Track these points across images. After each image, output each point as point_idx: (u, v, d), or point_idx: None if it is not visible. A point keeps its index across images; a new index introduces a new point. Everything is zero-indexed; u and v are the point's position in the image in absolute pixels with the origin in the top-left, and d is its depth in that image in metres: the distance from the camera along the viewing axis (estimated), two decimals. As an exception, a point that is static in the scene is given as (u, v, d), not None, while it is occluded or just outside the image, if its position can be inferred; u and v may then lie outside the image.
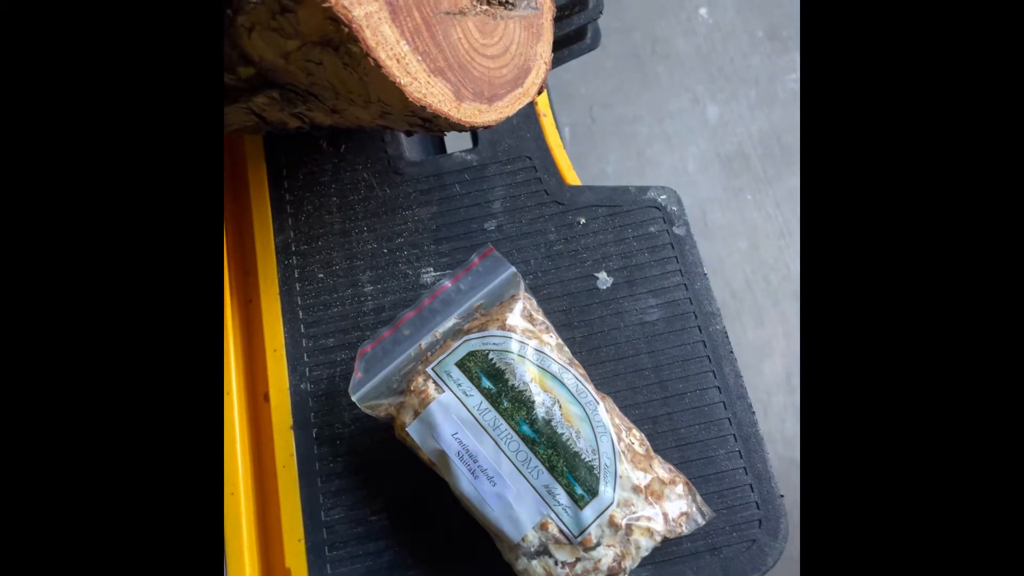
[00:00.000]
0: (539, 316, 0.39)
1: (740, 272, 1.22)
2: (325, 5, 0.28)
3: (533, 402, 0.35)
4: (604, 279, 0.42)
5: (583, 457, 0.35)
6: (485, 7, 0.35)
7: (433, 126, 0.35)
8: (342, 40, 0.29)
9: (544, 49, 0.38)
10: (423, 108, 0.32)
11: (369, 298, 0.43)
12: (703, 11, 1.46)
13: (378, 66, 0.30)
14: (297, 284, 0.43)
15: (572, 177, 0.46)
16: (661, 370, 0.40)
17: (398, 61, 0.31)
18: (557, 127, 0.48)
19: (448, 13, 0.33)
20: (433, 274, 0.43)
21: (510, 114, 0.36)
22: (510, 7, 0.36)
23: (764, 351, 1.12)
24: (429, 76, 0.32)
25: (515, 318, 0.38)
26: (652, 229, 0.43)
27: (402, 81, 0.31)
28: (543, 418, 0.35)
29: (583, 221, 0.44)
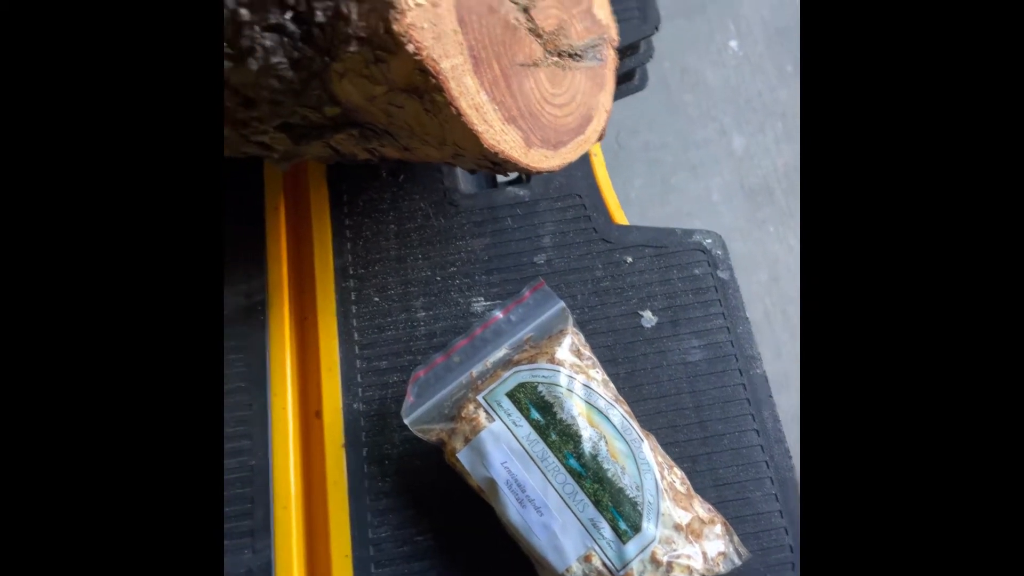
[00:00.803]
0: (586, 351, 0.41)
1: (760, 304, 1.23)
2: (417, 57, 0.30)
3: (580, 436, 0.37)
4: (648, 318, 0.44)
5: (627, 493, 0.36)
6: (556, 59, 0.37)
7: (500, 168, 0.37)
8: (427, 89, 0.31)
9: (606, 98, 0.40)
10: (495, 154, 0.34)
11: (421, 323, 0.44)
12: (733, 44, 1.48)
13: (459, 114, 0.32)
14: (353, 306, 0.45)
15: (620, 216, 0.47)
16: (702, 410, 0.41)
17: (477, 110, 0.33)
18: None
19: (523, 65, 0.35)
20: (483, 303, 0.45)
21: (572, 160, 0.38)
22: (578, 59, 0.38)
23: (781, 383, 1.13)
24: (503, 124, 0.34)
25: (564, 352, 0.40)
26: (697, 272, 0.45)
27: (479, 128, 0.33)
28: (590, 453, 0.37)
29: (630, 260, 0.45)
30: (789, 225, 1.26)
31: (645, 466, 0.37)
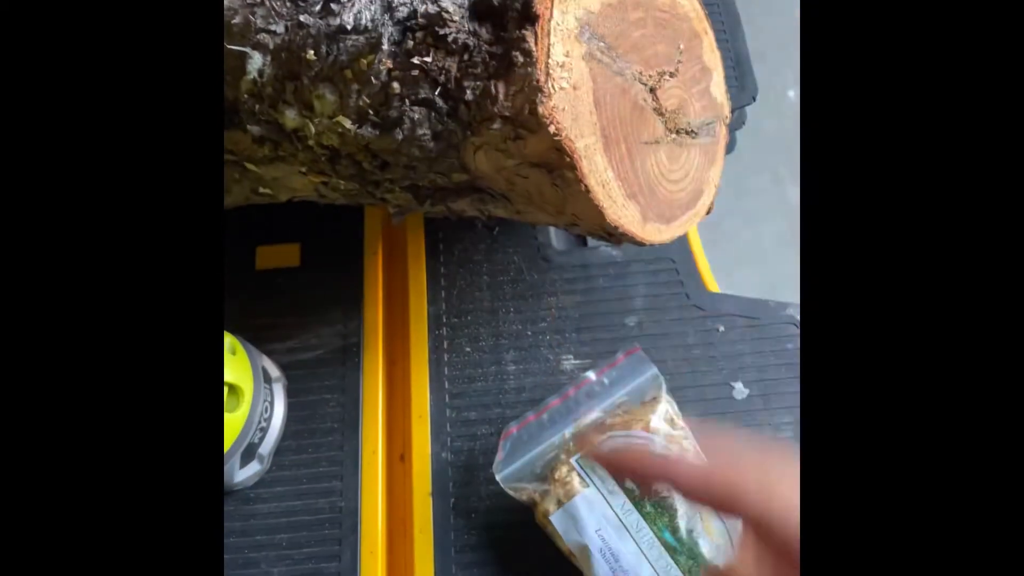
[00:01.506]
0: (679, 421, 0.41)
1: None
2: (556, 138, 0.31)
3: (676, 510, 0.37)
4: (740, 389, 0.44)
5: (722, 572, 0.36)
6: (675, 136, 0.37)
7: (615, 240, 0.37)
8: (560, 166, 0.33)
9: (716, 173, 0.41)
10: (615, 228, 0.35)
11: (511, 377, 0.45)
12: (791, 93, 1.48)
13: (587, 191, 0.33)
14: (445, 355, 0.46)
15: (712, 284, 0.48)
16: (792, 489, 0.41)
17: (603, 186, 0.34)
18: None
19: (646, 143, 0.36)
20: (573, 362, 0.46)
21: (682, 233, 0.39)
22: (694, 136, 0.39)
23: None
24: (625, 200, 0.35)
25: (658, 420, 0.40)
26: (789, 346, 0.45)
27: (604, 204, 0.34)
28: (685, 528, 0.37)
29: (722, 329, 0.46)
30: (842, 279, 1.24)
31: (740, 546, 0.36)
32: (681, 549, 0.36)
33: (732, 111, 0.53)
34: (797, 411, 0.43)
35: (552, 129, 0.31)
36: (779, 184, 1.39)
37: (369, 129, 0.33)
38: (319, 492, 0.42)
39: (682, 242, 0.49)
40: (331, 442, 0.44)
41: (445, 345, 0.46)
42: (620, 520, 0.37)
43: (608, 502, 0.38)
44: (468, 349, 0.46)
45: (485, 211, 0.40)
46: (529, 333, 0.47)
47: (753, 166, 1.36)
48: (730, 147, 0.57)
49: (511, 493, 0.39)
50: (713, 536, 0.37)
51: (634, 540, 0.37)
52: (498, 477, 0.40)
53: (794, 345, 0.45)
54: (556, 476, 0.39)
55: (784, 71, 1.47)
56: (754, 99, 0.52)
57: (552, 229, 0.50)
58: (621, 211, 0.35)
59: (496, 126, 0.32)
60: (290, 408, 0.44)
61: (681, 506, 0.37)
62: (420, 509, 0.42)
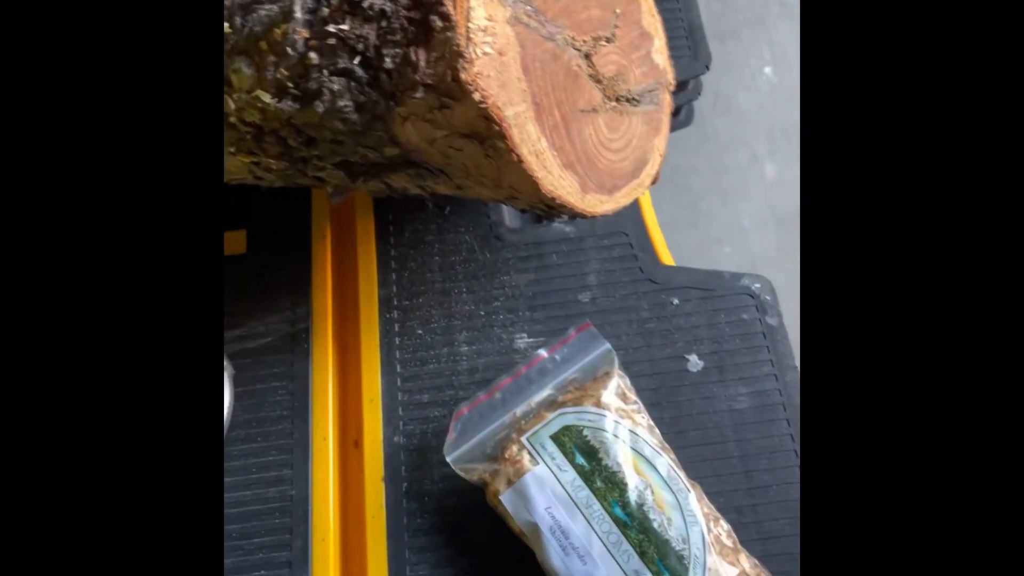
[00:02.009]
0: (632, 395, 0.40)
1: (789, 332, 1.20)
2: (482, 105, 0.30)
3: (626, 484, 0.36)
4: (695, 362, 0.43)
5: (673, 545, 0.35)
6: (615, 104, 0.37)
7: (555, 212, 0.36)
8: (490, 136, 0.32)
9: (661, 142, 0.40)
10: (552, 199, 0.34)
11: (464, 358, 0.44)
12: (768, 70, 1.47)
13: (519, 161, 0.32)
14: (396, 338, 0.45)
15: (667, 257, 0.47)
16: (747, 460, 0.41)
17: (537, 156, 0.33)
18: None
19: (583, 111, 0.35)
20: (527, 340, 0.45)
21: (626, 204, 0.38)
22: (636, 103, 0.38)
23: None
24: (562, 170, 0.34)
25: (609, 396, 0.39)
26: (745, 316, 0.44)
27: (538, 175, 0.33)
28: (636, 502, 0.36)
29: (676, 302, 0.45)
30: (821, 255, 1.24)
31: (692, 518, 0.36)
32: (631, 523, 0.36)
33: (687, 81, 0.52)
34: (752, 382, 0.43)
35: (477, 96, 0.30)
36: (756, 162, 1.38)
37: (289, 103, 0.32)
38: (268, 481, 0.42)
39: (636, 216, 0.48)
40: (280, 430, 0.43)
41: (396, 328, 0.45)
42: (570, 497, 0.36)
43: (558, 479, 0.37)
44: (420, 331, 0.45)
45: (426, 187, 0.39)
46: (482, 313, 0.46)
47: (730, 145, 1.35)
48: (687, 119, 0.56)
49: (462, 474, 0.39)
50: (664, 509, 0.36)
51: (584, 516, 0.36)
52: (448, 459, 0.39)
53: (750, 316, 0.44)
54: (506, 455, 0.38)
55: (760, 49, 1.46)
56: (707, 68, 0.51)
57: (505, 207, 0.49)
58: (558, 182, 0.34)
59: (419, 95, 0.31)
60: (237, 397, 0.43)
61: (631, 480, 0.36)
62: (372, 495, 0.41)
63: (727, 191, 1.33)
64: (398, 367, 0.44)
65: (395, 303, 0.46)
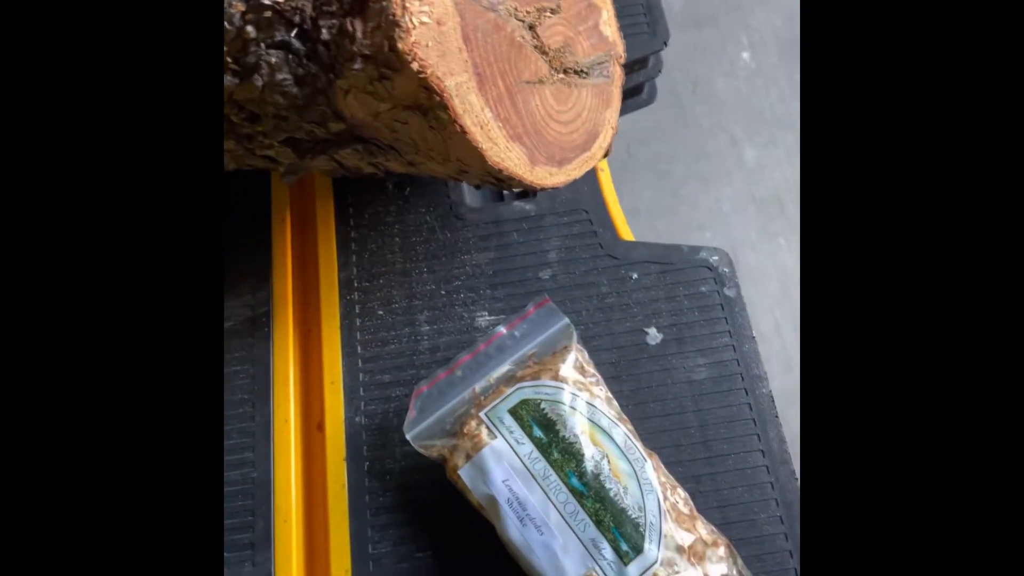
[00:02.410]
0: (590, 368, 0.40)
1: (769, 316, 1.21)
2: (421, 75, 0.30)
3: (583, 455, 0.37)
4: (654, 335, 0.44)
5: (629, 514, 0.35)
6: (562, 76, 0.37)
7: (505, 185, 0.36)
8: (432, 106, 0.32)
9: (612, 115, 0.40)
10: (499, 171, 0.34)
11: (425, 337, 0.44)
12: (745, 55, 1.47)
13: (463, 132, 0.32)
14: (357, 319, 0.45)
15: (626, 232, 0.47)
16: (706, 429, 0.41)
17: (481, 127, 0.33)
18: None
19: (528, 82, 0.35)
20: (488, 318, 0.45)
21: (577, 176, 0.38)
22: (584, 76, 0.38)
23: (790, 397, 1.11)
24: (508, 141, 0.34)
25: (567, 369, 0.39)
26: (703, 289, 0.45)
27: (484, 146, 0.33)
28: (592, 472, 0.36)
29: (635, 276, 0.45)
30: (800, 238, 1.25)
31: (648, 486, 0.36)
32: (588, 493, 0.36)
33: (647, 58, 0.52)
34: (710, 353, 0.43)
35: (416, 66, 0.30)
36: (736, 146, 1.39)
37: (229, 77, 0.31)
38: (231, 464, 0.41)
39: (595, 193, 0.48)
40: (242, 414, 0.43)
41: (357, 310, 0.45)
42: (527, 469, 0.37)
43: (516, 452, 0.37)
44: (381, 312, 0.45)
45: (379, 165, 0.39)
46: (443, 292, 0.46)
47: (710, 130, 1.35)
48: (650, 96, 0.56)
49: (422, 451, 0.39)
50: (621, 478, 0.36)
51: (541, 488, 0.36)
52: (408, 436, 0.39)
53: (708, 288, 0.45)
54: (465, 431, 0.38)
55: (737, 34, 1.46)
56: (665, 44, 0.51)
57: (465, 187, 0.49)
58: (504, 153, 0.34)
59: (358, 66, 0.30)
60: (198, 382, 0.43)
61: (588, 450, 0.37)
62: (334, 475, 0.41)
63: (707, 177, 1.34)
64: (359, 348, 0.44)
65: (356, 285, 0.46)
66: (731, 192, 1.33)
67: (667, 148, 1.31)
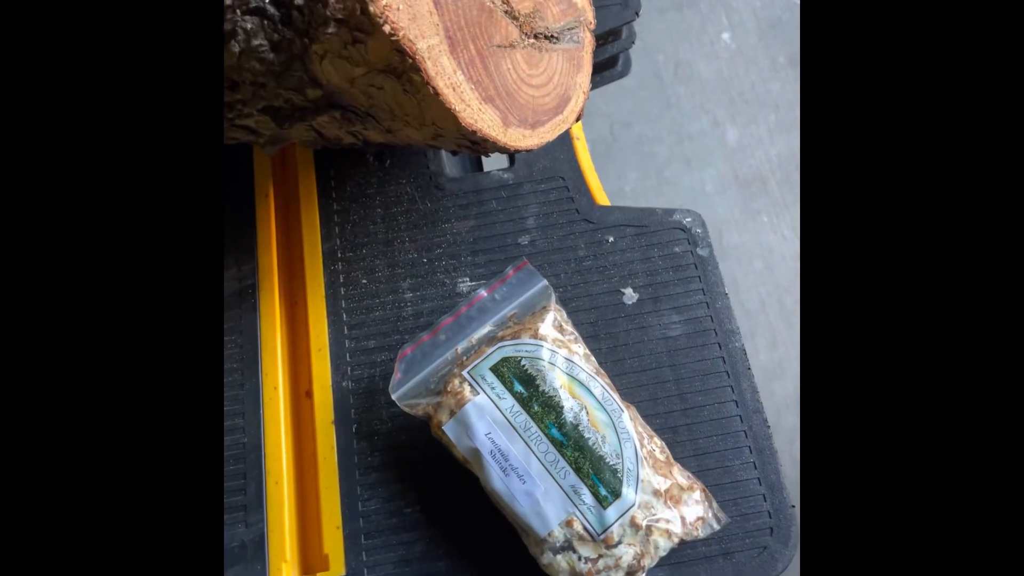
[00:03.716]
0: (568, 327, 0.42)
1: (755, 293, 1.23)
2: (393, 38, 0.31)
3: (562, 407, 0.38)
4: (630, 295, 0.45)
5: (608, 461, 0.37)
6: (532, 41, 0.38)
7: (480, 148, 0.38)
8: (405, 69, 0.33)
9: (583, 79, 0.41)
10: (473, 132, 0.35)
11: (409, 304, 0.46)
12: (726, 36, 1.49)
13: (436, 93, 0.33)
14: (342, 288, 0.46)
15: (602, 197, 0.48)
16: (682, 383, 0.42)
17: (454, 89, 0.34)
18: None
19: (499, 46, 0.36)
20: (469, 284, 0.46)
21: (550, 139, 0.39)
22: (555, 40, 0.39)
23: (776, 372, 1.14)
24: (481, 104, 0.35)
25: (546, 328, 0.41)
26: (677, 249, 0.46)
27: (456, 108, 0.34)
28: (571, 422, 0.38)
29: (611, 239, 0.47)
30: (783, 215, 1.27)
31: (625, 435, 0.38)
32: (567, 443, 0.37)
33: (620, 28, 0.54)
34: (685, 311, 0.44)
35: (387, 29, 0.31)
36: (717, 127, 1.40)
37: (206, 45, 0.32)
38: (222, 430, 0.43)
39: (571, 160, 0.49)
40: (231, 382, 0.44)
41: (341, 279, 0.46)
42: (509, 422, 0.38)
43: (497, 407, 0.38)
44: (364, 281, 0.46)
45: (357, 134, 0.40)
46: (425, 260, 0.47)
47: (692, 111, 1.37)
48: (625, 68, 0.57)
49: (407, 410, 0.40)
50: (599, 428, 0.38)
51: (522, 439, 0.38)
52: (394, 396, 0.40)
53: (681, 248, 0.46)
54: (448, 388, 0.40)
55: (718, 15, 1.47)
56: (637, 15, 0.52)
57: (445, 156, 0.50)
58: (477, 115, 0.35)
59: (331, 30, 0.31)
60: (187, 352, 0.44)
61: (567, 403, 0.38)
62: (323, 438, 0.42)
63: (690, 158, 1.35)
64: (344, 316, 0.45)
65: (339, 255, 0.47)
66: (714, 172, 1.34)
67: (650, 130, 1.32)
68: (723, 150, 1.39)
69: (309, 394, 0.44)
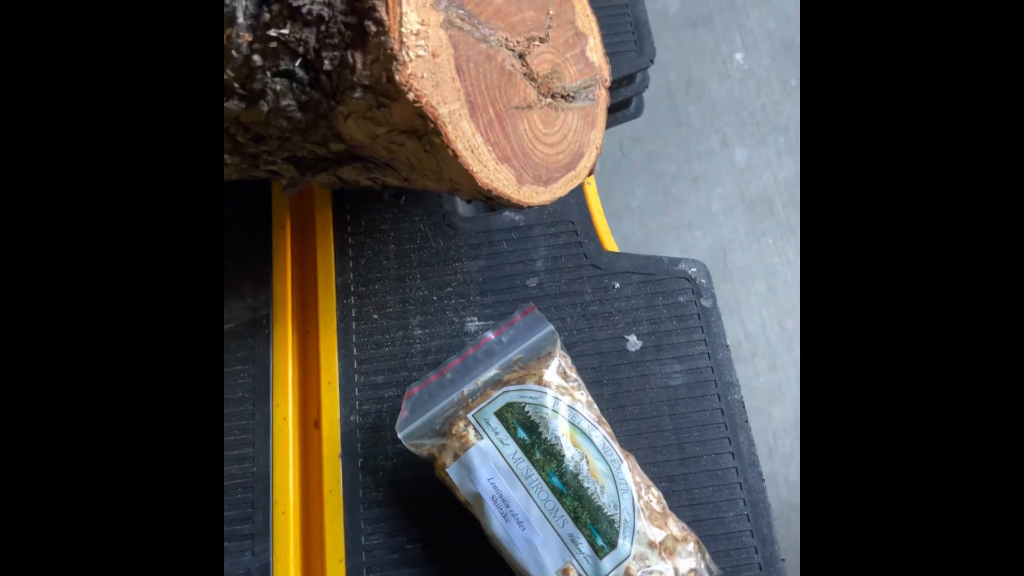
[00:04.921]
0: (572, 373, 0.43)
1: (756, 315, 1.24)
2: (416, 104, 0.32)
3: (563, 456, 0.39)
4: (634, 342, 0.46)
5: (605, 511, 0.38)
6: (550, 100, 0.39)
7: (494, 202, 0.39)
8: (426, 132, 0.34)
9: (597, 136, 0.42)
10: (489, 191, 0.36)
11: (417, 341, 0.47)
12: (739, 56, 1.49)
13: (455, 156, 0.34)
14: (353, 323, 0.47)
15: (610, 243, 0.50)
16: (680, 433, 0.44)
17: (472, 151, 0.35)
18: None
19: (518, 107, 0.37)
20: (477, 323, 0.47)
21: (562, 195, 0.40)
22: (571, 100, 0.40)
23: (774, 395, 1.15)
24: (497, 164, 0.36)
25: (551, 374, 0.42)
26: (681, 299, 0.47)
27: (474, 168, 0.35)
28: (571, 471, 0.39)
29: (617, 285, 0.48)
30: (788, 238, 1.28)
31: (623, 486, 0.39)
32: (567, 492, 0.38)
33: (635, 74, 0.55)
34: (686, 360, 0.45)
35: (411, 96, 0.32)
36: (727, 147, 1.41)
37: (236, 102, 0.33)
38: (232, 459, 0.44)
39: (581, 205, 0.50)
40: (242, 411, 0.45)
41: (353, 313, 0.48)
42: (511, 468, 0.39)
43: (500, 452, 0.40)
44: (376, 316, 0.48)
45: (377, 180, 0.41)
46: (435, 298, 0.48)
47: (702, 130, 1.37)
48: (638, 110, 0.58)
49: (412, 450, 0.41)
50: (598, 478, 0.39)
51: (524, 486, 0.39)
52: (400, 435, 0.42)
53: (685, 298, 0.47)
54: (453, 431, 0.41)
55: (731, 35, 1.48)
56: (652, 62, 0.53)
57: (457, 198, 0.51)
58: (493, 175, 0.36)
59: (358, 95, 0.33)
60: (201, 381, 0.45)
61: (568, 451, 0.39)
62: (330, 471, 0.44)
63: (698, 176, 1.36)
64: (355, 350, 0.47)
65: (352, 289, 0.48)
66: (721, 192, 1.35)
67: (659, 147, 1.33)
68: (731, 170, 1.40)
69: (317, 425, 0.46)
